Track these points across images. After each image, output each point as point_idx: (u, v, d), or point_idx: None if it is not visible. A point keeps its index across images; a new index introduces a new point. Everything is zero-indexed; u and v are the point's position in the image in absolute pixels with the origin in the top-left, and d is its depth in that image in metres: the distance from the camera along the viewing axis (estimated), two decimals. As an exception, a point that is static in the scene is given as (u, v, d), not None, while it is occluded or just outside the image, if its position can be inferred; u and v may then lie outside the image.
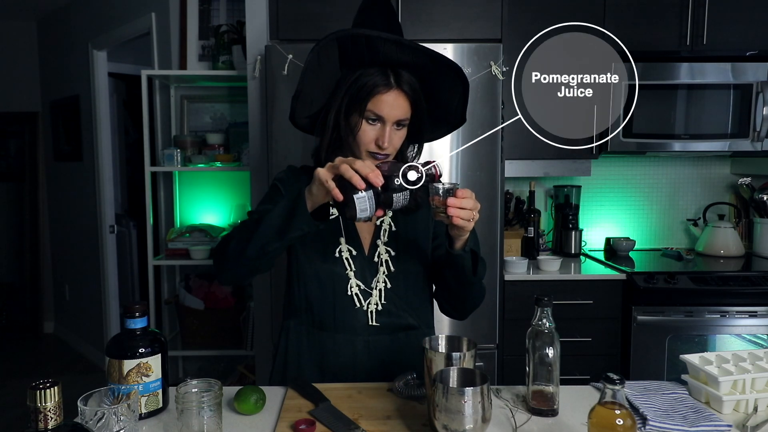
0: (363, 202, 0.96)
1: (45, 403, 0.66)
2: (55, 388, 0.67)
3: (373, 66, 1.14)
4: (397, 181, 0.99)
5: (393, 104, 1.13)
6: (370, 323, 1.21)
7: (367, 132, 1.15)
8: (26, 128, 4.48)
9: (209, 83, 2.96)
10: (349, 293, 1.20)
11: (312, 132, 1.25)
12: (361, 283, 1.21)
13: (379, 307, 1.21)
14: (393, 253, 1.23)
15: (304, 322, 1.25)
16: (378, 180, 0.95)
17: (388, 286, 1.21)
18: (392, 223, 1.24)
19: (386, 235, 1.23)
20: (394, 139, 1.16)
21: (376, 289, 1.21)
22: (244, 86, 2.78)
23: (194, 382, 0.96)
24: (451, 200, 1.00)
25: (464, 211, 1.00)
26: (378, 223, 1.24)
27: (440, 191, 1.02)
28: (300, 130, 1.26)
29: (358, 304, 1.20)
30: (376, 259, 1.22)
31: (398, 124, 1.15)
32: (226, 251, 1.10)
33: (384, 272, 1.22)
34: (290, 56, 2.12)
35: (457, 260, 1.12)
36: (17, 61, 4.43)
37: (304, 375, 1.22)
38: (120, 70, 4.11)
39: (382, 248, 1.23)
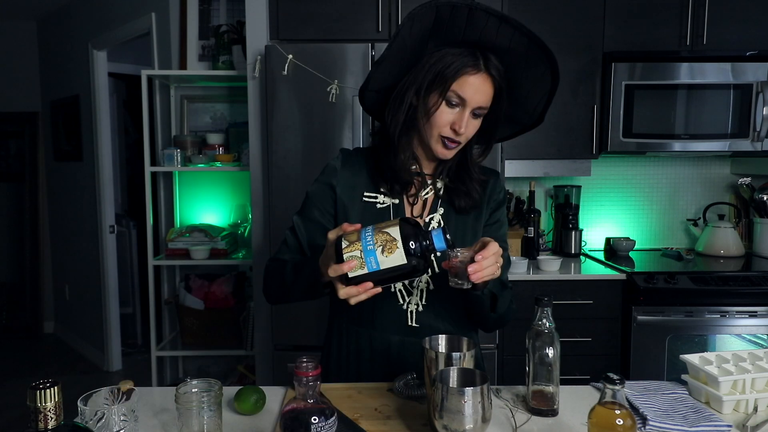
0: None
1: (45, 403, 0.66)
2: (55, 388, 0.67)
3: (461, 46, 1.08)
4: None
5: (479, 88, 1.07)
6: (409, 323, 1.17)
7: (445, 114, 1.09)
8: (26, 128, 4.47)
9: (209, 83, 2.96)
10: (392, 289, 1.16)
11: (373, 112, 1.22)
12: (405, 281, 1.14)
13: (420, 308, 1.17)
14: (439, 254, 1.19)
15: (344, 318, 1.23)
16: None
17: (431, 287, 1.17)
18: (442, 221, 1.19)
19: None
20: (470, 126, 1.11)
21: (417, 288, 1.17)
22: (244, 86, 2.78)
23: (194, 382, 0.96)
24: (472, 267, 0.94)
25: (487, 270, 0.96)
26: (427, 219, 1.19)
27: (458, 258, 0.96)
28: (363, 107, 1.22)
29: (401, 301, 1.17)
30: None
31: (476, 112, 1.10)
32: (270, 292, 1.20)
33: (428, 272, 1.16)
34: (290, 56, 2.12)
35: (473, 299, 1.10)
36: (17, 61, 4.43)
37: (342, 371, 1.21)
38: (120, 70, 4.11)
39: None
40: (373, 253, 0.88)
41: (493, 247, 0.97)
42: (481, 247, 0.98)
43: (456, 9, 1.03)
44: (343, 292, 0.92)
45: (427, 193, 1.20)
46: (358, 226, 0.94)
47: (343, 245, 0.90)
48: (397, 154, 1.14)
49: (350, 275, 0.90)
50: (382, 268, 0.88)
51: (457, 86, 1.07)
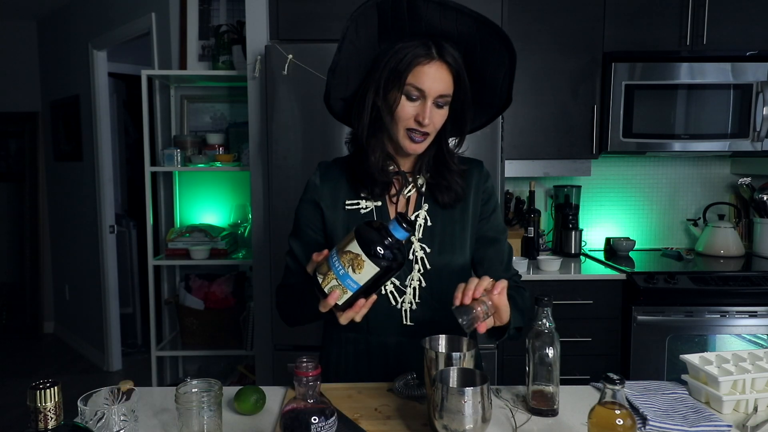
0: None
1: (45, 403, 0.66)
2: (55, 388, 0.67)
3: (413, 38, 1.07)
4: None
5: (435, 77, 1.06)
6: (404, 323, 1.17)
7: (407, 108, 1.08)
8: (26, 128, 4.48)
9: (209, 83, 2.96)
10: (383, 291, 1.16)
11: (345, 119, 1.21)
12: (396, 281, 1.15)
13: (414, 306, 1.16)
14: (428, 250, 1.16)
15: (340, 326, 1.19)
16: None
17: (423, 284, 1.16)
18: (428, 218, 1.18)
19: (421, 231, 1.17)
20: (435, 116, 1.09)
21: (410, 287, 1.16)
22: (244, 86, 2.78)
23: (194, 382, 0.96)
24: (484, 307, 0.96)
25: (498, 297, 0.97)
26: (413, 217, 1.18)
27: (477, 313, 0.96)
28: (333, 116, 1.21)
29: (393, 302, 1.16)
30: (410, 255, 1.16)
31: (439, 102, 1.09)
32: (286, 319, 1.21)
33: (419, 270, 1.16)
34: (290, 56, 2.12)
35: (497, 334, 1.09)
36: (17, 61, 4.43)
37: (341, 376, 1.21)
38: (120, 70, 4.11)
39: (417, 245, 1.16)
40: (346, 276, 0.89)
41: (471, 284, 0.96)
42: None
43: (396, 2, 1.04)
44: (343, 318, 0.94)
45: (409, 191, 1.19)
46: (325, 252, 0.95)
47: (320, 280, 0.91)
48: (368, 156, 1.14)
49: (339, 303, 0.91)
50: (362, 284, 0.89)
51: (412, 78, 1.06)
